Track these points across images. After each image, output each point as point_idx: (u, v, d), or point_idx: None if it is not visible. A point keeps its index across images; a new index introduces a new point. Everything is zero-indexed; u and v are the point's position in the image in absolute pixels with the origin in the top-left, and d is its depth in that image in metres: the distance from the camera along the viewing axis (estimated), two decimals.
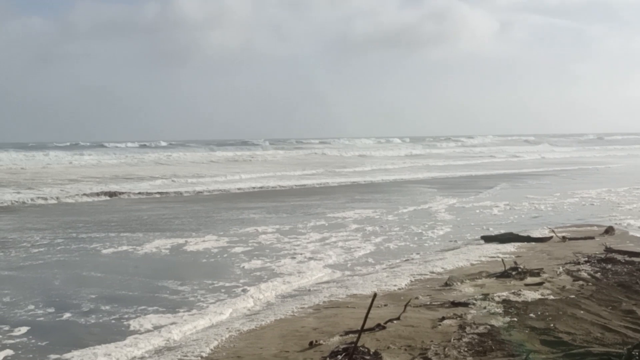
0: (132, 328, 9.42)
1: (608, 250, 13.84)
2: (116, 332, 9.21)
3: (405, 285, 11.49)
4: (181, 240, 16.91)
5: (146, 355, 8.20)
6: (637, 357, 6.18)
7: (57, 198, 28.16)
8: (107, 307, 10.57)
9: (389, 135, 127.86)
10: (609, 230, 16.66)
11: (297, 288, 11.96)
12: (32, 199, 27.45)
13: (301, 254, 15.07)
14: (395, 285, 11.42)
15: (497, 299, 9.88)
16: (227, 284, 12.16)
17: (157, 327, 9.40)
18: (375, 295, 7.88)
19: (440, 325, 8.61)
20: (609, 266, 12.42)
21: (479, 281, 11.44)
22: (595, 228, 17.71)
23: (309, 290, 11.68)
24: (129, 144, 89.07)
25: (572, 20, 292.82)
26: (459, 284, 11.20)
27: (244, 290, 11.62)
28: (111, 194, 29.83)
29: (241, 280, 12.48)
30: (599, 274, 11.78)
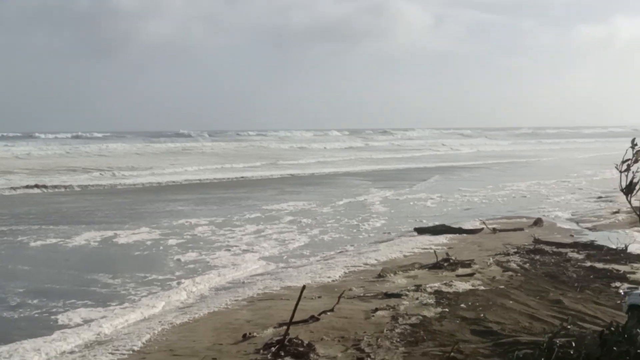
0: (60, 322, 9.22)
1: (536, 241, 14.21)
2: (45, 327, 9.00)
3: (339, 277, 11.55)
4: (110, 233, 16.58)
5: (76, 349, 8.02)
6: (557, 345, 6.34)
7: None
8: (35, 301, 10.31)
9: (328, 128, 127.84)
10: (538, 222, 17.08)
11: (231, 280, 11.89)
12: None
13: (236, 246, 15.00)
14: (329, 277, 11.46)
15: (429, 290, 10.03)
16: (160, 277, 12.01)
17: (87, 321, 9.21)
18: (304, 287, 7.91)
19: (373, 316, 8.68)
20: (537, 257, 12.74)
21: (412, 272, 11.58)
22: (524, 220, 18.14)
23: (243, 282, 11.62)
24: (61, 135, 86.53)
25: (505, 15, 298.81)
26: (392, 275, 11.30)
27: (178, 283, 11.51)
28: (40, 187, 28.98)
29: (175, 273, 12.34)
30: (528, 264, 12.07)
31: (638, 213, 2.48)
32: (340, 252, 14.47)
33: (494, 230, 16.17)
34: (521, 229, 16.31)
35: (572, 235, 15.47)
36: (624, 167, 2.39)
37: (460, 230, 16.21)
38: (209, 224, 18.15)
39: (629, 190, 2.45)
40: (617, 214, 18.33)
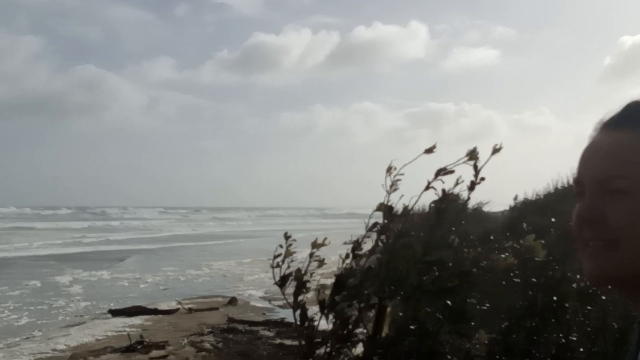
0: None
1: (230, 320, 14.57)
2: None
3: None
4: None
5: None
6: None
7: None
8: None
9: (41, 205, 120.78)
10: (232, 301, 17.53)
11: None
12: None
13: None
14: None
15: None
16: None
17: None
18: None
19: None
20: (231, 336, 13.07)
21: (104, 357, 11.23)
22: (220, 299, 18.46)
23: None
24: None
25: (214, 100, 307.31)
26: None
27: None
28: None
29: None
30: (221, 343, 12.32)
31: (292, 304, 2.73)
32: (26, 338, 13.53)
33: (190, 310, 16.27)
34: (216, 308, 16.60)
35: (264, 314, 16.09)
36: (276, 263, 2.63)
37: (156, 311, 16.05)
38: None
39: (282, 282, 2.69)
40: (305, 293, 19.43)
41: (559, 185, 17.21)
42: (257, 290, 20.63)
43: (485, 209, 15.73)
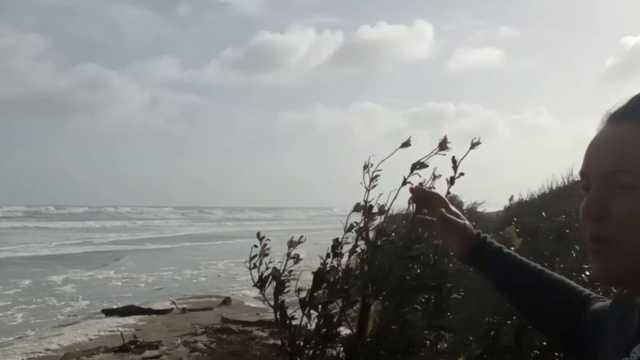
0: None
1: (224, 320, 14.56)
2: None
3: None
4: None
5: None
6: None
7: None
8: None
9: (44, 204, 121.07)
10: (226, 301, 17.51)
11: None
12: None
13: None
14: None
15: None
16: None
17: None
18: None
19: None
20: (224, 336, 13.05)
21: (97, 357, 11.22)
22: (214, 299, 18.42)
23: None
24: None
25: (217, 99, 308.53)
26: None
27: None
28: None
29: None
30: (215, 344, 12.31)
31: (273, 304, 2.73)
32: (19, 337, 13.50)
33: (184, 310, 16.24)
34: (210, 308, 16.57)
35: (258, 314, 16.06)
36: (252, 264, 2.62)
37: (149, 311, 16.02)
38: None
39: (262, 284, 2.69)
40: (285, 293, 19.43)
41: (554, 186, 17.18)
42: (251, 290, 20.53)
43: (480, 209, 15.68)
